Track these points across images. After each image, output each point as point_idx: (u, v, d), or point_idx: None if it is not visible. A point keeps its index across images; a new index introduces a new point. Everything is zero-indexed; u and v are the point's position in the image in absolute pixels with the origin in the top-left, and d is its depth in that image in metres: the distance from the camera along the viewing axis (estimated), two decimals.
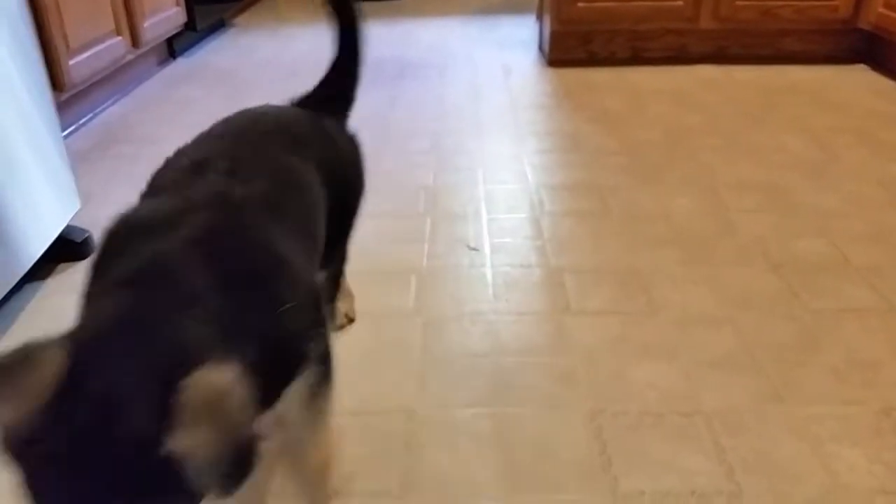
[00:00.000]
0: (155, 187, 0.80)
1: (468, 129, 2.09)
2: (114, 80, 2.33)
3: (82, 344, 0.54)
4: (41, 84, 1.33)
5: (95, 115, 2.21)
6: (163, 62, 2.72)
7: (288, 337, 0.68)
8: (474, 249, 1.43)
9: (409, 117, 2.17)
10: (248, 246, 0.69)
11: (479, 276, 1.35)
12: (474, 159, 1.87)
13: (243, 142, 0.86)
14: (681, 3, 2.50)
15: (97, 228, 1.51)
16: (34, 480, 0.51)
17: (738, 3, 2.49)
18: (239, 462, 0.52)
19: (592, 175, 1.75)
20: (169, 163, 0.83)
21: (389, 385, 1.07)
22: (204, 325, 0.58)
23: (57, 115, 1.39)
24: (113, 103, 2.32)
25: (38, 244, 1.28)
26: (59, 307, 1.27)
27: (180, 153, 0.85)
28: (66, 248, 1.41)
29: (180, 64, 2.76)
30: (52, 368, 0.52)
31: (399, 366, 1.11)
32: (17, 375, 0.52)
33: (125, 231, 0.69)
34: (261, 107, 1.01)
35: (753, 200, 1.61)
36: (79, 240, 1.42)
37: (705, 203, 1.60)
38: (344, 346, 1.13)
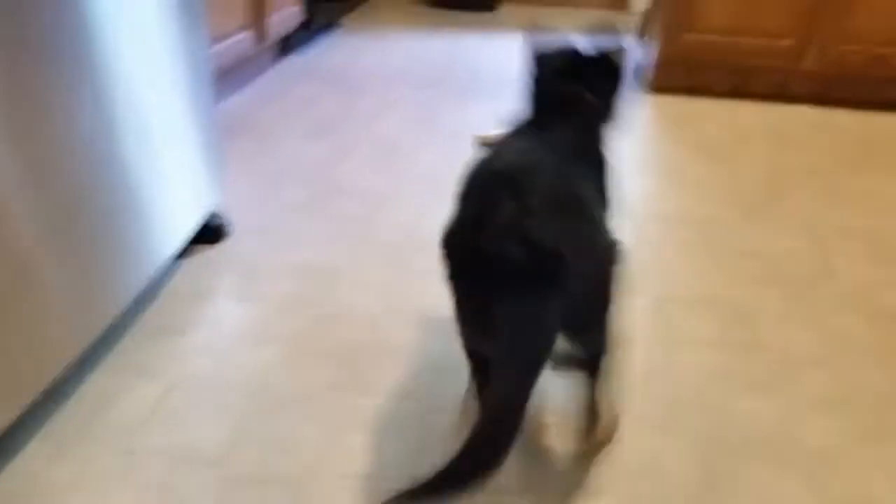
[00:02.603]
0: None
1: None
2: (235, 72, 2.47)
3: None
4: (206, 76, 1.44)
5: (216, 105, 2.35)
6: (278, 58, 2.86)
7: None
8: None
9: None
10: None
11: None
12: None
13: None
14: (788, 43, 2.52)
15: (230, 216, 1.64)
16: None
17: (845, 47, 2.50)
18: None
19: (695, 207, 1.81)
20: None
21: None
22: None
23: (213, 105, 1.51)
24: (232, 95, 2.46)
25: (183, 230, 1.40)
26: (198, 285, 1.39)
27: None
28: (203, 232, 1.53)
29: (294, 61, 2.90)
30: None
31: None
32: None
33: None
34: None
35: (852, 246, 1.64)
36: (215, 225, 1.54)
37: (805, 244, 1.64)
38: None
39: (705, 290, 1.45)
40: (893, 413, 1.14)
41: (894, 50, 2.49)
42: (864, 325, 1.36)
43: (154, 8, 1.19)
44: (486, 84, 2.72)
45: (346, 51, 3.09)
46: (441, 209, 1.74)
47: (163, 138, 1.27)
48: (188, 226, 1.41)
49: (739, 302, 1.42)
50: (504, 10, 4.07)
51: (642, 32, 3.01)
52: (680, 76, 2.69)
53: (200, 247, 1.53)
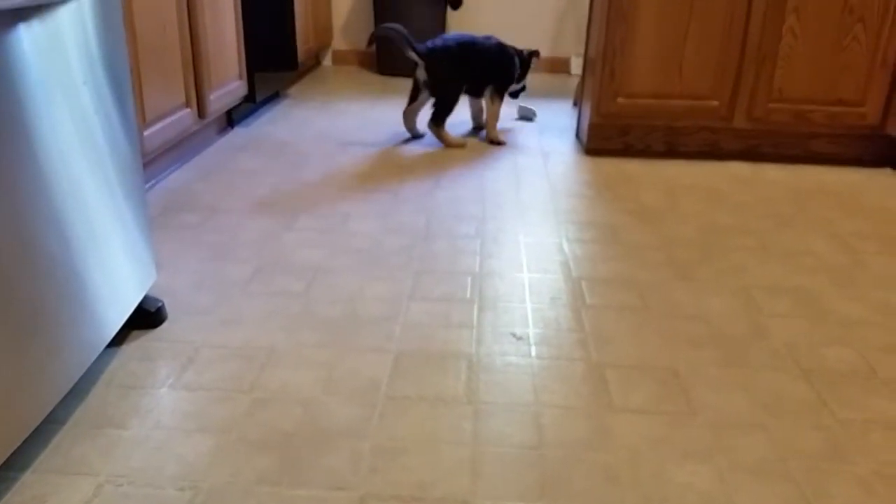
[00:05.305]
0: None
1: (510, 214, 2.20)
2: (177, 148, 2.47)
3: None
4: (134, 156, 1.45)
5: (158, 181, 2.35)
6: (222, 131, 2.87)
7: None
8: (519, 339, 1.53)
9: (453, 199, 2.29)
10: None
11: (525, 366, 1.43)
12: (517, 246, 1.98)
13: None
14: (716, 103, 2.63)
15: (168, 297, 1.63)
16: None
17: (771, 105, 2.62)
18: None
19: (631, 269, 1.85)
20: None
21: (444, 471, 1.15)
22: None
23: (143, 185, 1.51)
24: (174, 171, 2.46)
25: (118, 315, 1.38)
26: (134, 373, 1.37)
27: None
28: (139, 316, 1.51)
29: (238, 133, 2.92)
30: None
31: (453, 452, 1.19)
32: None
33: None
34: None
35: (783, 305, 1.70)
36: (152, 309, 1.53)
37: (739, 304, 1.69)
38: (402, 428, 1.22)
39: (641, 355, 1.48)
40: (829, 475, 1.17)
41: (815, 107, 2.61)
42: (797, 385, 1.40)
43: (86, 92, 1.20)
44: (432, 152, 2.76)
45: (291, 122, 3.12)
46: (380, 283, 1.75)
47: (96, 222, 1.26)
48: (124, 311, 1.40)
49: (674, 366, 1.45)
50: None
51: (578, 96, 3.10)
52: (613, 138, 2.77)
53: (137, 332, 1.51)
